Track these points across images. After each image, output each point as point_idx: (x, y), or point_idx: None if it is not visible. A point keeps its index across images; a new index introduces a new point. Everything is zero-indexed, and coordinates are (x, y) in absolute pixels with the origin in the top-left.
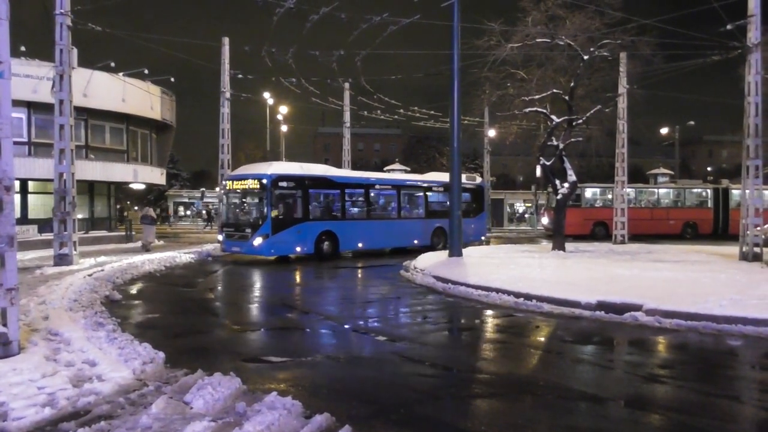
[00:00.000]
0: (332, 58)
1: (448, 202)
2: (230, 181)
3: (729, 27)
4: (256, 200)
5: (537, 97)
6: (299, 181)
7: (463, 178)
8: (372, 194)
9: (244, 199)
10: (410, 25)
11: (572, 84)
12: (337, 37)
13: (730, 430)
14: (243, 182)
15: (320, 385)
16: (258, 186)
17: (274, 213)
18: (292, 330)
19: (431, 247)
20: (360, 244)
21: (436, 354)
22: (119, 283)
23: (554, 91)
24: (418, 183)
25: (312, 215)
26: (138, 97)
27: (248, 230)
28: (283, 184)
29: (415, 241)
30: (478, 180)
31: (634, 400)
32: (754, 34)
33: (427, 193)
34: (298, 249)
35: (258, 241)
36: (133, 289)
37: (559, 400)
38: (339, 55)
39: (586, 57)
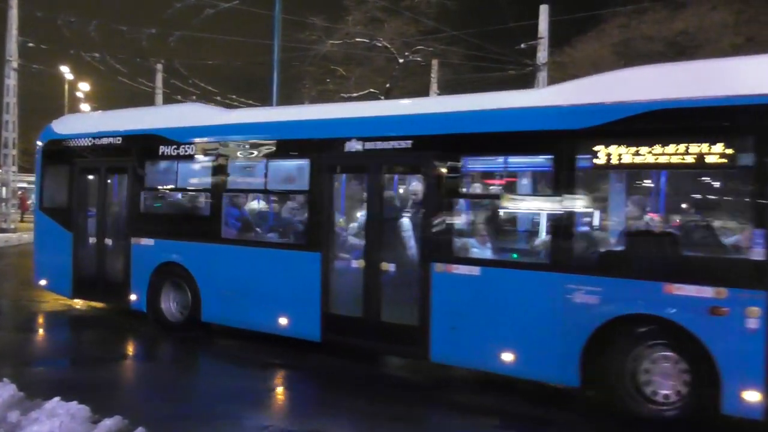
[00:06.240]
0: (142, 36)
1: None
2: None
3: (523, 46)
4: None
5: (355, 94)
6: None
7: None
8: None
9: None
10: (232, 11)
11: (388, 85)
12: (149, 14)
13: None
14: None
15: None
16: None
17: None
18: (79, 326)
19: None
20: None
21: None
22: None
23: (371, 90)
24: None
25: None
26: None
27: None
28: None
29: None
30: None
31: None
32: (542, 55)
33: None
34: None
35: None
36: None
37: None
38: (150, 33)
39: (401, 60)
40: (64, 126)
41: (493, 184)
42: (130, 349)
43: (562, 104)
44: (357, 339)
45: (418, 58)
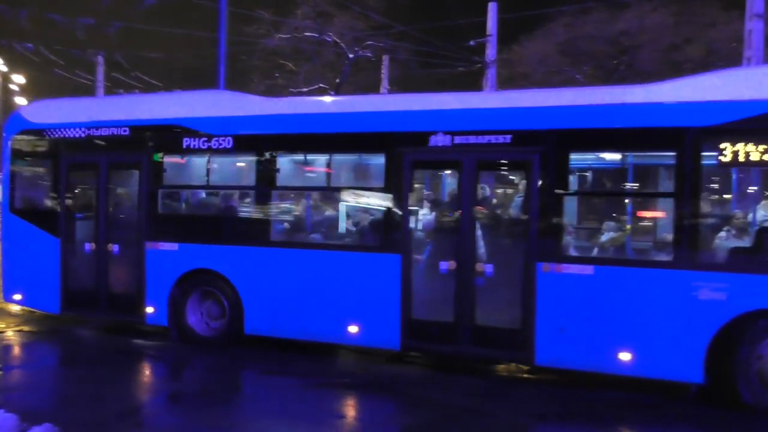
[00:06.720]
0: (78, 27)
1: None
2: None
3: (472, 43)
4: None
5: (305, 90)
6: None
7: None
8: None
9: None
10: (175, 2)
11: (338, 80)
12: (86, 4)
13: None
14: None
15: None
16: None
17: None
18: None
19: None
20: None
21: None
22: None
23: (321, 85)
24: None
25: None
26: None
27: None
28: None
29: None
30: None
31: None
32: (490, 52)
33: None
34: None
35: None
36: None
37: None
38: (88, 24)
39: (351, 55)
40: (40, 114)
41: (607, 181)
42: (58, 355)
43: (689, 100)
44: (444, 345)
45: (368, 54)
